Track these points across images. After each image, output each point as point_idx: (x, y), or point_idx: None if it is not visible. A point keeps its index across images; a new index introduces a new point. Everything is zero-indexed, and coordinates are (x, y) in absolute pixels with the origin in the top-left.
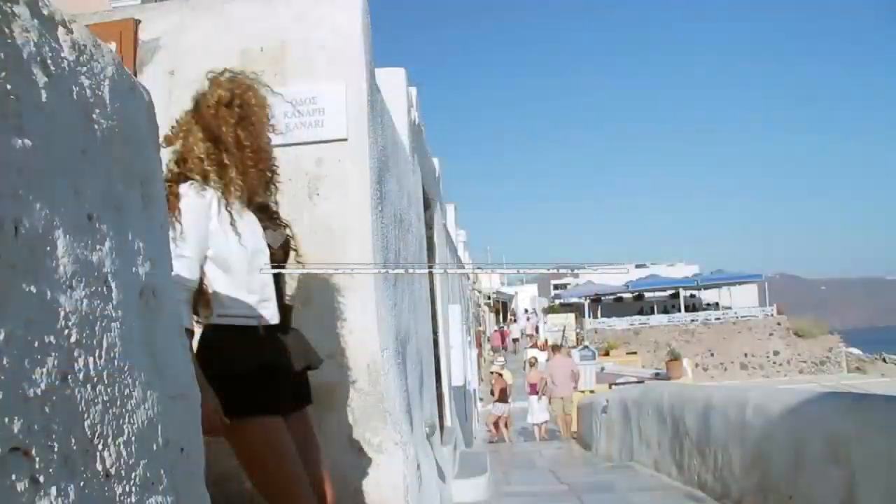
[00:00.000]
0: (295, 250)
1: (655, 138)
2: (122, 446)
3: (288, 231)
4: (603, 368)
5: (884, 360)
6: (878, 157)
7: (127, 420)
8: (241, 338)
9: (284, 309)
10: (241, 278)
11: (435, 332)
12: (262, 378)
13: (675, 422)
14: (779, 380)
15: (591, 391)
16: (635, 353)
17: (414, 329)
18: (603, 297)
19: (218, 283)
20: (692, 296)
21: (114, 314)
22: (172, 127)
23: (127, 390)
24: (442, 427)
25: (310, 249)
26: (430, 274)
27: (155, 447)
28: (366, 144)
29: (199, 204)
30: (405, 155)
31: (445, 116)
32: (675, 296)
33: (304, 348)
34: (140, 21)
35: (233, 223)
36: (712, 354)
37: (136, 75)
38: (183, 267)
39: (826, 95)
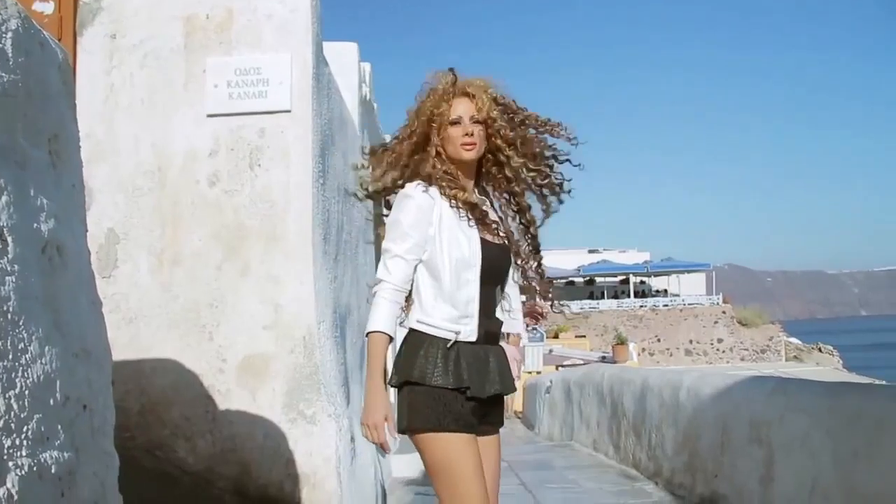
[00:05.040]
0: (520, 267)
1: (610, 125)
2: (12, 399)
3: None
4: (551, 350)
5: (819, 350)
6: (825, 154)
7: (20, 374)
8: (436, 349)
9: (494, 325)
10: (448, 289)
11: None
12: (449, 395)
13: (613, 403)
14: (721, 366)
15: (538, 372)
16: (584, 336)
17: (356, 304)
18: (554, 281)
19: (425, 288)
20: (642, 282)
21: (9, 268)
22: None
23: (21, 344)
24: None
25: (250, 221)
26: (378, 248)
27: (52, 402)
28: (309, 117)
29: (424, 206)
30: (353, 130)
31: (408, 96)
32: (626, 282)
33: (500, 371)
34: None
35: (450, 232)
36: (659, 340)
37: (75, 37)
38: (395, 266)
39: (775, 89)
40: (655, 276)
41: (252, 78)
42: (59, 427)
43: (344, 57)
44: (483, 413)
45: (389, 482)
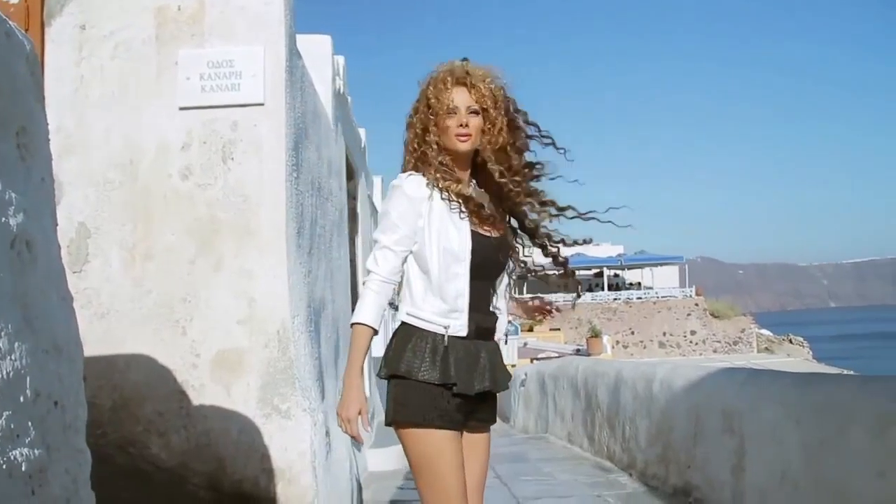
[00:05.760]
0: (518, 263)
1: (579, 116)
2: None
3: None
4: (526, 343)
5: (790, 341)
6: (796, 148)
7: None
8: (425, 343)
9: (487, 320)
10: (436, 282)
11: (355, 303)
12: (435, 391)
13: (587, 395)
14: (694, 358)
15: (513, 365)
16: (559, 329)
17: (331, 298)
18: (529, 275)
19: (416, 281)
20: (616, 275)
21: None
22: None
23: None
24: None
25: (223, 215)
26: (352, 243)
27: (22, 399)
28: (283, 110)
29: (413, 197)
30: (327, 123)
31: (382, 90)
32: (600, 275)
33: (491, 367)
34: None
35: (440, 224)
36: (633, 332)
37: (43, 28)
38: (383, 258)
39: (747, 83)
40: (629, 268)
41: (225, 70)
42: (30, 424)
43: (317, 50)
44: (472, 410)
45: (365, 476)
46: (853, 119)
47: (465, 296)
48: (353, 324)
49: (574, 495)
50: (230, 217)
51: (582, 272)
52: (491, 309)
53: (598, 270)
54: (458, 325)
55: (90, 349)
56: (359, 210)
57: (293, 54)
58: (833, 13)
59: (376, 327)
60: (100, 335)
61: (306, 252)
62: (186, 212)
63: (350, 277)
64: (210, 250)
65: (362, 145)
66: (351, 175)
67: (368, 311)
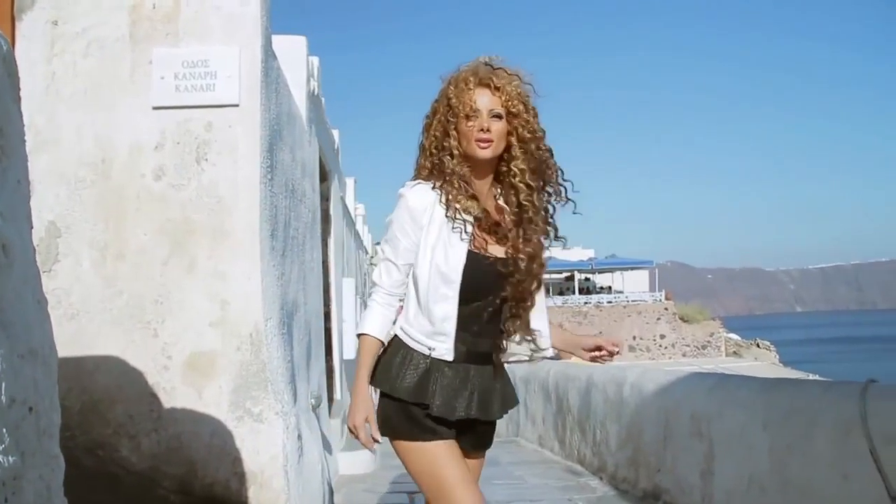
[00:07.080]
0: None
1: (553, 120)
2: None
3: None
4: None
5: (758, 345)
6: (763, 155)
7: None
8: (410, 360)
9: (483, 344)
10: (424, 302)
11: (327, 305)
12: (415, 409)
13: (558, 399)
14: (664, 362)
15: None
16: None
17: (303, 300)
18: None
19: (412, 296)
20: (587, 279)
21: None
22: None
23: None
24: (331, 400)
25: (197, 216)
26: (324, 245)
27: None
28: (258, 111)
29: (415, 208)
30: (301, 125)
31: (353, 89)
32: (571, 278)
33: (482, 394)
34: None
35: (437, 240)
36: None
37: (13, 23)
38: (386, 270)
39: (717, 86)
40: (600, 272)
41: (200, 70)
42: (4, 430)
43: (292, 51)
44: (461, 432)
45: (336, 479)
46: (822, 124)
47: (452, 319)
48: (358, 334)
49: (545, 499)
50: (203, 218)
51: (553, 276)
52: (495, 333)
53: (569, 274)
54: (444, 349)
55: (59, 350)
56: (332, 212)
57: (269, 55)
58: (831, 11)
59: (381, 338)
60: (69, 336)
61: (280, 254)
62: (159, 212)
63: (322, 280)
64: (183, 251)
65: (336, 147)
66: (324, 177)
67: (373, 322)
